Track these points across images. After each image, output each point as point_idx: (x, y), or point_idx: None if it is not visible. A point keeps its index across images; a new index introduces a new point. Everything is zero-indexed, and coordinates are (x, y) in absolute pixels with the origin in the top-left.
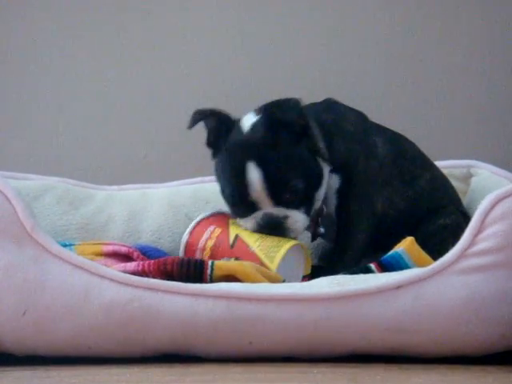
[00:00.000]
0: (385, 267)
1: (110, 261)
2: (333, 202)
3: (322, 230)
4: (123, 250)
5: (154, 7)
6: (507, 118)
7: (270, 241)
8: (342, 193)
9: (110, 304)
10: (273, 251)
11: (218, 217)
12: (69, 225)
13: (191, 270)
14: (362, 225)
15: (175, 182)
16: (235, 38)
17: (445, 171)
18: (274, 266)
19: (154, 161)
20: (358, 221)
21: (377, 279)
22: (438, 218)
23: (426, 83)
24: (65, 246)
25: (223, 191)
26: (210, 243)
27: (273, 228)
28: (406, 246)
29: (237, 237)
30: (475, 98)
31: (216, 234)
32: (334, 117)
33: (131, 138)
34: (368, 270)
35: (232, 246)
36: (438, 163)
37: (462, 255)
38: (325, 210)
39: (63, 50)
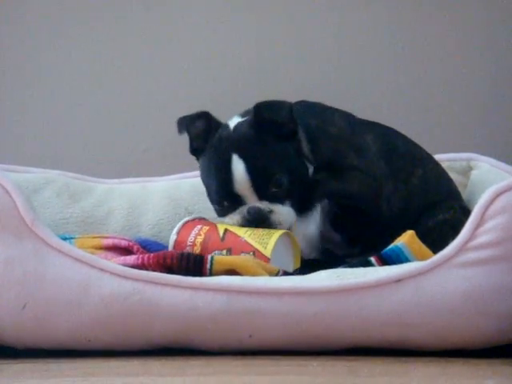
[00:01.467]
0: (385, 261)
1: (109, 254)
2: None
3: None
4: (123, 243)
5: (154, 5)
6: (507, 111)
7: (261, 230)
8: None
9: (109, 297)
10: (265, 238)
11: (202, 219)
12: (69, 218)
13: (191, 263)
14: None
15: (175, 176)
16: (235, 35)
17: (444, 164)
18: (267, 251)
19: (154, 154)
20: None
21: (377, 273)
22: (436, 213)
23: (426, 77)
24: (65, 239)
25: (209, 188)
26: (200, 239)
27: (260, 222)
28: (407, 239)
29: (226, 230)
30: (476, 92)
31: (204, 231)
32: (318, 122)
33: (131, 131)
34: (368, 264)
35: (223, 239)
36: (438, 156)
37: (461, 249)
38: None
39: (63, 44)
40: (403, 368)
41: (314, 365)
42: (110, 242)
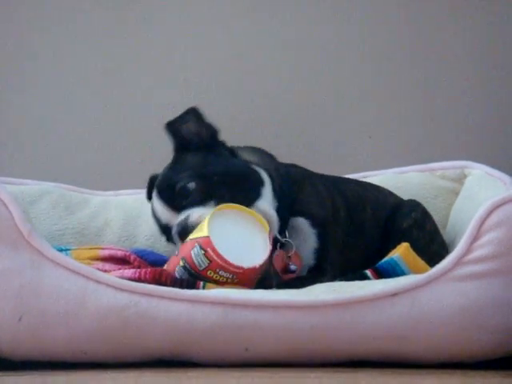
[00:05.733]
0: (381, 274)
1: (107, 265)
2: (311, 261)
3: (292, 267)
4: (119, 253)
5: (152, 15)
6: (502, 119)
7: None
8: (319, 254)
9: (106, 309)
10: (202, 224)
11: None
12: (65, 229)
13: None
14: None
15: None
16: (232, 46)
17: (438, 173)
18: (204, 231)
19: (151, 166)
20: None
21: (373, 286)
22: (400, 220)
23: (420, 86)
24: (61, 250)
25: None
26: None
27: (186, 234)
28: (402, 251)
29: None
30: (470, 101)
31: (167, 264)
32: (304, 172)
33: (128, 143)
34: (364, 277)
35: (177, 255)
36: (432, 165)
37: (458, 262)
38: (293, 249)
39: (62, 56)
40: (401, 379)
41: (312, 377)
42: (106, 253)
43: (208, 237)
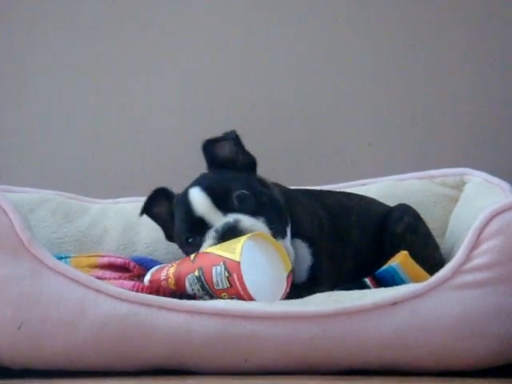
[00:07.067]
0: (380, 281)
1: (107, 272)
2: (304, 277)
3: None
4: (119, 261)
5: (153, 26)
6: (500, 127)
7: (231, 240)
8: (313, 269)
9: (105, 318)
10: (233, 244)
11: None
12: (64, 237)
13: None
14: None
15: None
16: (230, 53)
17: (437, 180)
18: (236, 255)
19: (150, 174)
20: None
21: (373, 296)
22: (393, 225)
23: (420, 93)
24: (60, 258)
25: (178, 235)
26: (172, 269)
27: (230, 235)
28: (400, 260)
29: (197, 254)
30: (470, 108)
31: (177, 262)
32: (289, 191)
33: (127, 151)
34: (363, 285)
35: (193, 261)
36: (432, 172)
37: (457, 271)
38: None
39: (62, 65)
40: None
41: None
42: (105, 260)
43: (239, 263)
